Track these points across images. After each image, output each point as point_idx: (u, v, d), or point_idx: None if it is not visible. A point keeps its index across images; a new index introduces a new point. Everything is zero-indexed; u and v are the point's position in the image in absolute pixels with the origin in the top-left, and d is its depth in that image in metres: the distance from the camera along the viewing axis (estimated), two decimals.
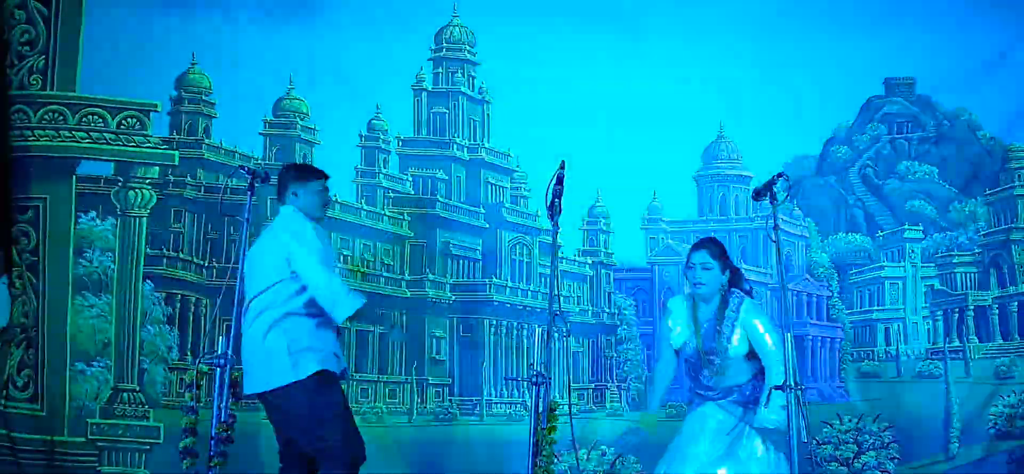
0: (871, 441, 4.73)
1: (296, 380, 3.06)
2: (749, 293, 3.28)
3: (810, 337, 5.14)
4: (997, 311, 5.02)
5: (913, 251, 5.13)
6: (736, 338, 3.16)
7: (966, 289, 5.06)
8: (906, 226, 5.16)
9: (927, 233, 5.14)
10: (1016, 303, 4.96)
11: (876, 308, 5.17)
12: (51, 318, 4.44)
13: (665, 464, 3.24)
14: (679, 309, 3.35)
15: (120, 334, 4.48)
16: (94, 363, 4.48)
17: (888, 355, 5.04)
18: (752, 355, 3.16)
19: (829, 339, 5.16)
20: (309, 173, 3.39)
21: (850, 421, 4.77)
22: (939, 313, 5.08)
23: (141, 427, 4.44)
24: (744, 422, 3.15)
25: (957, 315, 5.06)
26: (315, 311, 3.10)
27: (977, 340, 5.00)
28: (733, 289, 3.26)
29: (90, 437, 4.40)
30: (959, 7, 4.90)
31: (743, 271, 3.38)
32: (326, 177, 3.38)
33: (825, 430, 4.76)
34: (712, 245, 3.29)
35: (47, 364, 4.43)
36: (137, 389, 4.48)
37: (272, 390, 3.06)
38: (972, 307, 5.05)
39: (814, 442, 4.62)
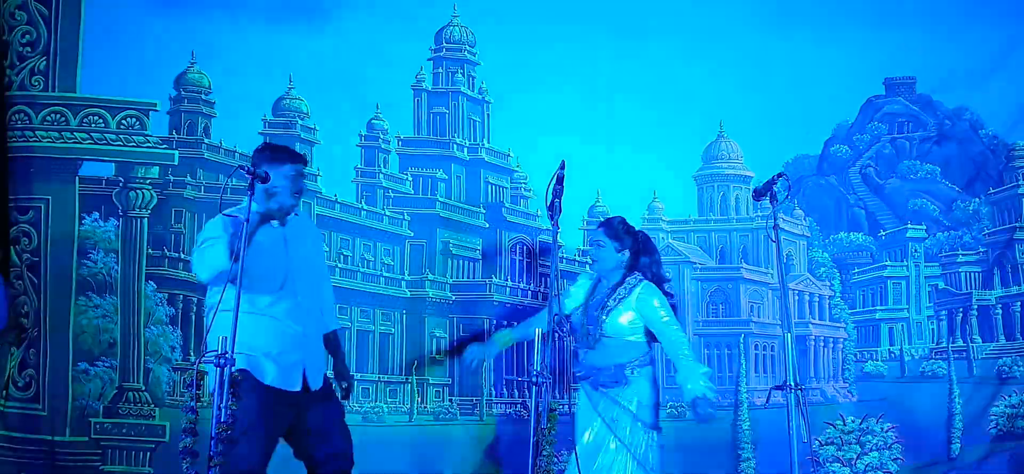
0: (874, 441, 4.72)
1: None
2: (655, 279, 3.29)
3: (812, 337, 5.13)
4: (1000, 311, 5.00)
5: (916, 250, 5.12)
6: (625, 319, 3.19)
7: (970, 288, 5.04)
8: (909, 225, 5.14)
9: (930, 232, 5.12)
10: (1020, 303, 4.95)
11: (879, 308, 5.16)
12: (53, 318, 4.46)
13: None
14: (583, 282, 3.46)
15: (125, 334, 4.49)
16: (98, 363, 4.49)
17: (891, 355, 5.02)
18: (640, 343, 3.20)
19: (831, 339, 5.14)
20: (283, 155, 3.09)
21: (853, 421, 4.76)
22: (943, 313, 5.06)
23: (146, 426, 4.46)
24: (615, 401, 3.17)
25: (961, 315, 5.04)
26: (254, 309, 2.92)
27: (980, 340, 4.98)
28: (635, 272, 3.29)
29: (94, 436, 4.42)
30: (960, 6, 4.89)
31: (659, 257, 3.39)
32: (303, 162, 3.11)
33: (828, 430, 4.75)
34: (608, 225, 3.35)
35: (49, 364, 4.44)
36: (142, 388, 4.49)
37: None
38: (976, 307, 5.03)
39: (817, 442, 4.61)
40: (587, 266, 3.51)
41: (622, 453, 3.16)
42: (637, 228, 3.44)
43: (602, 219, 3.49)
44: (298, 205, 3.12)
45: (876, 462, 4.69)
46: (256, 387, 2.90)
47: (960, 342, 4.96)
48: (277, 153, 3.11)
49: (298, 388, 3.00)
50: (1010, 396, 4.74)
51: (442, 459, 4.62)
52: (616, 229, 3.32)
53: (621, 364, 3.20)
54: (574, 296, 3.41)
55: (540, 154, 4.70)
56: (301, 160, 3.13)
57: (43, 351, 4.45)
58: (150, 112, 4.60)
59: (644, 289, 3.22)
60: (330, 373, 3.23)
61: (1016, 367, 4.82)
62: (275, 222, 3.02)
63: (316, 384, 3.06)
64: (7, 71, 4.53)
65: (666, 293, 3.30)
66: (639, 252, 3.32)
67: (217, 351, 2.73)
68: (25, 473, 4.31)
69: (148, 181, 4.61)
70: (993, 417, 4.73)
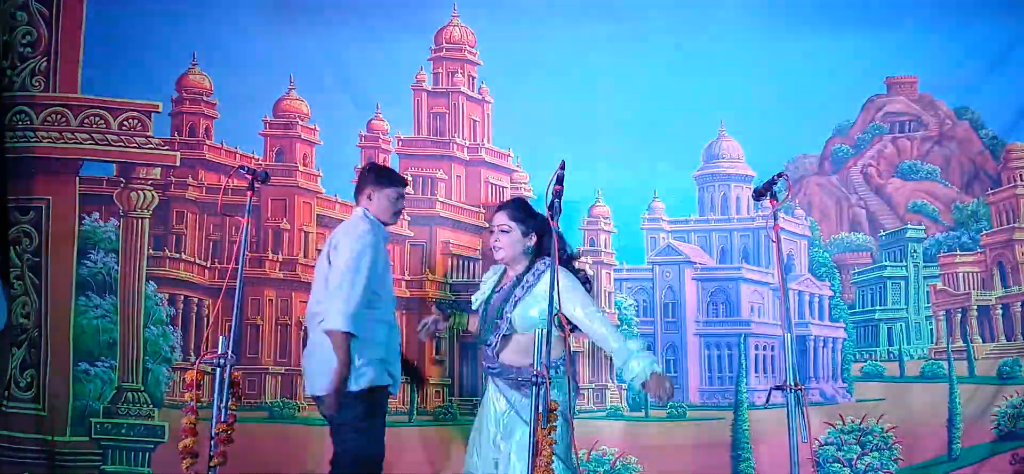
0: (874, 441, 4.72)
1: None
2: (567, 263, 3.04)
3: (812, 337, 5.13)
4: (1001, 311, 5.00)
5: (916, 251, 5.11)
6: (535, 310, 2.93)
7: (969, 289, 5.04)
8: (908, 225, 5.14)
9: (929, 233, 5.12)
10: (1020, 303, 4.95)
11: (878, 308, 5.15)
12: (54, 319, 4.47)
13: (467, 454, 3.11)
14: (492, 274, 3.22)
15: (125, 334, 4.50)
16: (98, 363, 4.50)
17: (891, 355, 5.02)
18: (559, 339, 2.93)
19: (831, 339, 5.14)
20: (387, 177, 3.42)
21: (853, 421, 4.76)
22: (942, 313, 5.06)
23: (145, 426, 4.46)
24: (515, 410, 2.90)
25: (960, 315, 5.04)
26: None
27: (980, 340, 4.98)
28: (543, 257, 3.06)
29: (94, 436, 4.42)
30: (961, 6, 4.88)
31: (564, 238, 3.10)
32: (405, 183, 3.44)
33: (828, 431, 4.75)
34: (513, 206, 3.11)
35: (50, 364, 4.46)
36: (142, 388, 4.50)
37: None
38: (975, 307, 5.03)
39: (816, 443, 4.60)
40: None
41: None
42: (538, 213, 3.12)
43: (503, 203, 3.22)
44: (393, 223, 3.47)
45: (876, 462, 4.68)
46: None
47: (960, 342, 4.96)
48: (381, 175, 3.44)
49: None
50: (1011, 396, 4.74)
51: (442, 459, 4.62)
52: (526, 211, 3.09)
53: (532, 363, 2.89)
54: (486, 291, 3.21)
55: (540, 154, 4.70)
56: (402, 182, 3.42)
57: (44, 351, 4.46)
58: (152, 113, 4.61)
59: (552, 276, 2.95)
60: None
61: (1017, 367, 4.82)
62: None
63: None
64: (7, 71, 4.54)
65: (577, 273, 3.02)
66: (541, 235, 3.08)
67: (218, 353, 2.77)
68: None
69: (149, 181, 4.62)
70: (994, 417, 4.73)
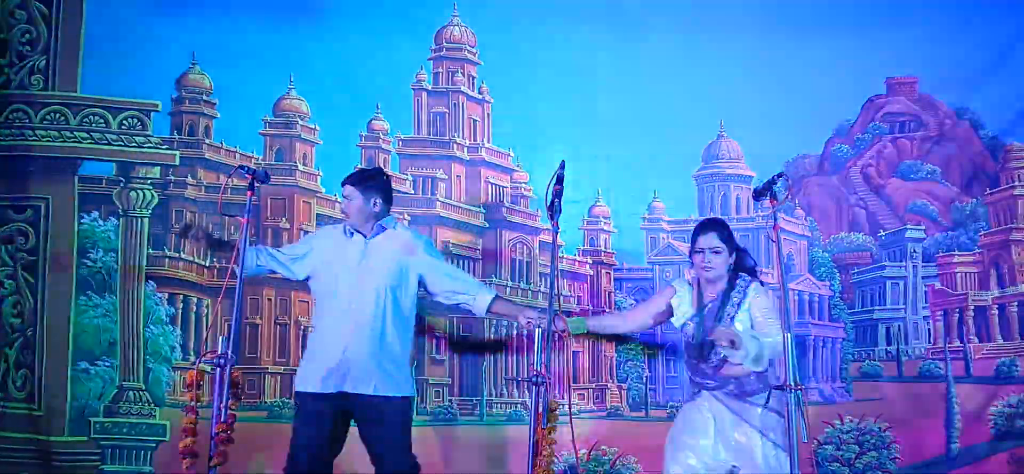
0: (872, 441, 4.72)
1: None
2: (754, 273, 3.19)
3: (812, 337, 5.13)
4: (997, 311, 5.01)
5: (915, 251, 5.12)
6: (739, 325, 3.05)
7: (966, 289, 5.05)
8: (908, 226, 5.14)
9: (929, 233, 5.13)
10: (1017, 303, 4.95)
11: (877, 308, 5.16)
12: (52, 318, 4.45)
13: (670, 458, 3.18)
14: (684, 291, 3.27)
15: (124, 334, 4.49)
16: (98, 363, 4.49)
17: (889, 355, 5.03)
18: None
19: (830, 339, 5.14)
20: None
21: (851, 421, 4.76)
22: (940, 313, 5.07)
23: (147, 425, 4.46)
24: (745, 420, 3.05)
25: (957, 315, 5.05)
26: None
27: (977, 340, 4.99)
28: (740, 273, 3.18)
29: (93, 436, 4.41)
30: (961, 6, 4.88)
31: (748, 250, 3.27)
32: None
33: (827, 430, 4.75)
34: (721, 227, 3.20)
35: (46, 364, 4.44)
36: (142, 388, 4.49)
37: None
38: (972, 307, 5.04)
39: (815, 442, 4.61)
40: (685, 272, 3.39)
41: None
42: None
43: (705, 221, 3.28)
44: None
45: (875, 462, 4.69)
46: None
47: (957, 342, 4.96)
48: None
49: None
50: (1009, 396, 4.74)
51: (442, 459, 4.62)
52: (730, 230, 3.18)
53: (751, 372, 3.02)
54: (686, 309, 3.25)
55: (540, 154, 4.70)
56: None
57: (40, 351, 4.45)
58: (151, 113, 4.61)
59: (755, 290, 3.09)
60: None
61: (1015, 367, 4.83)
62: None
63: None
64: (6, 70, 4.53)
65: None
66: (741, 250, 3.21)
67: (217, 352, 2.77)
68: None
69: (149, 181, 4.61)
70: (992, 416, 4.73)
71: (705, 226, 3.23)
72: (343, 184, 3.38)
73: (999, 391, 4.77)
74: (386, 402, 3.25)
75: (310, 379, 3.29)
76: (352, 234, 3.36)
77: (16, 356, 4.43)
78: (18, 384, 4.43)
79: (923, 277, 5.09)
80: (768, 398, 3.01)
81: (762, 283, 3.22)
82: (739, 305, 3.10)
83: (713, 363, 3.13)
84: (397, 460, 3.27)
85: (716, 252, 3.14)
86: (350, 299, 3.24)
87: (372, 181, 3.38)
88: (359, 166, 4.90)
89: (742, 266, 3.20)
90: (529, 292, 4.96)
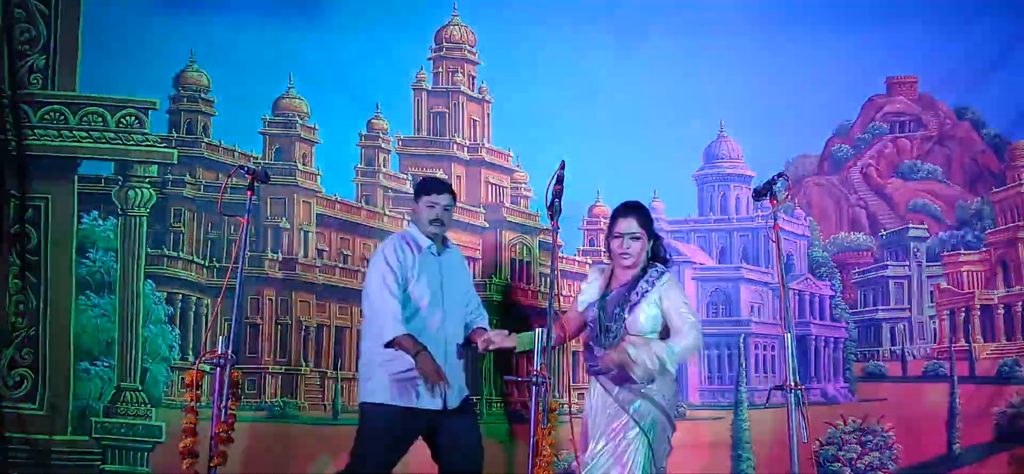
0: (874, 441, 4.71)
1: None
2: (667, 263, 3.12)
3: (813, 337, 5.12)
4: (1003, 311, 5.00)
5: (918, 250, 5.11)
6: (643, 315, 2.98)
7: (972, 288, 5.03)
8: (910, 224, 5.13)
9: (932, 232, 5.12)
10: (1022, 303, 4.94)
11: (880, 307, 5.15)
12: (53, 318, 4.45)
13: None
14: (595, 275, 3.22)
15: (123, 333, 4.48)
16: (98, 362, 4.49)
17: (893, 355, 5.02)
18: (660, 337, 2.99)
19: (832, 339, 5.13)
20: (421, 186, 3.46)
21: (854, 421, 4.76)
22: (945, 312, 5.05)
23: (144, 426, 4.45)
24: (621, 407, 2.96)
25: (963, 314, 5.03)
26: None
27: (982, 339, 4.98)
28: (654, 262, 3.10)
29: (94, 436, 4.41)
30: (961, 6, 4.88)
31: (665, 240, 3.22)
32: (439, 191, 3.38)
33: (829, 431, 4.74)
34: (641, 212, 3.11)
35: (49, 363, 4.44)
36: (140, 388, 4.49)
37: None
38: (978, 306, 5.02)
39: (817, 443, 4.60)
40: (603, 256, 3.25)
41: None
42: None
43: (623, 205, 3.15)
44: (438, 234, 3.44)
45: (876, 462, 4.68)
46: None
47: (962, 342, 4.95)
48: (419, 185, 3.50)
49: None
50: (1011, 396, 4.73)
51: None
52: (649, 216, 3.11)
53: None
54: (591, 292, 3.19)
55: (540, 154, 4.69)
56: (437, 188, 3.40)
57: (42, 351, 4.44)
58: (149, 111, 4.60)
59: (666, 281, 3.02)
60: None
61: (1018, 367, 4.81)
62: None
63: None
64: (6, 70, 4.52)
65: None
66: (657, 238, 3.16)
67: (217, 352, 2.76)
68: (20, 473, 4.31)
69: (147, 179, 4.61)
70: (994, 416, 4.72)
71: (624, 210, 3.12)
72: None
73: (1002, 391, 4.76)
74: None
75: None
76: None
77: (14, 355, 4.42)
78: (11, 383, 4.43)
79: (928, 276, 5.07)
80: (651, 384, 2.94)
81: (675, 273, 3.17)
82: (644, 295, 3.00)
83: (610, 342, 3.03)
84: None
85: (635, 238, 3.05)
86: None
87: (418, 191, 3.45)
88: (359, 166, 4.92)
89: (656, 255, 3.11)
90: (529, 292, 4.96)
